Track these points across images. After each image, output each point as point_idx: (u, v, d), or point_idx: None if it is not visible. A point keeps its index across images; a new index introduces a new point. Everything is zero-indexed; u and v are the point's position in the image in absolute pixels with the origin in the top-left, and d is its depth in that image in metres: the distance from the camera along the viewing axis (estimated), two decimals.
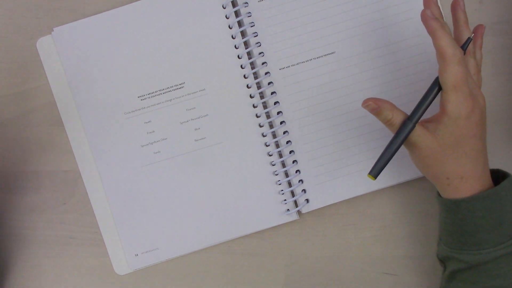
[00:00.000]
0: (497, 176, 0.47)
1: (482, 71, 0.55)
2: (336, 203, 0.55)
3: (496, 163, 0.49)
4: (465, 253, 0.46)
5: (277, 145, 0.54)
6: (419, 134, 0.45)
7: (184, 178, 0.54)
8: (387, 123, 0.45)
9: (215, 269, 0.56)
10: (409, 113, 0.45)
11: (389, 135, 0.54)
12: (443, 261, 0.50)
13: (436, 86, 0.44)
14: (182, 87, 0.54)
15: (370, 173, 0.45)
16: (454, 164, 0.45)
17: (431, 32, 0.43)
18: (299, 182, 0.54)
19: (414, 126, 0.44)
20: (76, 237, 0.55)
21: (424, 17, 0.44)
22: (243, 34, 0.54)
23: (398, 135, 0.45)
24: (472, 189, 0.45)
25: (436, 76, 0.44)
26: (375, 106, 0.45)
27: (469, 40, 0.46)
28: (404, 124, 0.45)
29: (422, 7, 0.53)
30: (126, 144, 0.54)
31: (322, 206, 0.54)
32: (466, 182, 0.45)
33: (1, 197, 0.55)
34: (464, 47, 0.46)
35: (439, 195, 0.48)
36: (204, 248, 0.55)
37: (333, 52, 0.54)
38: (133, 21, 0.54)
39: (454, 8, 0.48)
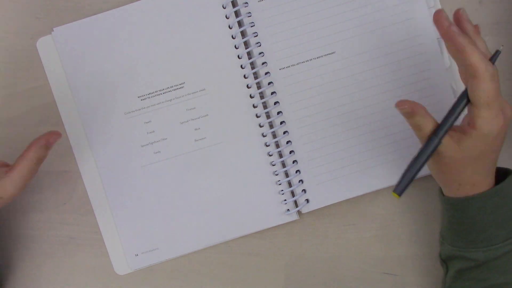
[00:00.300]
0: (497, 173, 0.47)
1: None
2: (336, 203, 0.55)
3: None
4: (473, 251, 0.46)
5: (277, 145, 0.54)
6: (444, 143, 0.44)
7: (184, 178, 0.54)
8: (417, 128, 0.44)
9: (215, 269, 0.56)
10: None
11: (388, 134, 0.54)
12: (445, 261, 0.49)
13: (464, 99, 0.43)
14: (182, 87, 0.54)
15: (394, 191, 0.44)
16: (470, 174, 0.45)
17: (460, 49, 0.41)
18: (299, 182, 0.54)
19: (440, 142, 0.43)
20: (76, 237, 0.55)
21: (450, 35, 0.42)
22: (243, 34, 0.54)
23: (424, 152, 0.43)
24: (480, 191, 0.45)
25: (464, 89, 0.43)
26: (409, 110, 0.43)
27: (498, 52, 0.44)
28: (430, 140, 0.43)
29: (422, 7, 0.54)
30: (126, 144, 0.54)
31: (322, 206, 0.54)
32: (476, 188, 0.45)
33: None
34: (493, 59, 0.44)
35: (442, 194, 0.48)
36: (204, 248, 0.55)
37: (333, 52, 0.54)
38: (133, 21, 0.54)
39: (458, 20, 0.46)
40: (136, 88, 0.54)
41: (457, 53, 0.42)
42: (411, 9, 0.54)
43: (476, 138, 0.43)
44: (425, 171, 0.54)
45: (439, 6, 0.54)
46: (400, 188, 0.44)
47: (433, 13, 0.44)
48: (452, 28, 0.42)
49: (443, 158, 0.44)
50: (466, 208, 0.46)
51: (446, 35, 0.42)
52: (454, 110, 0.43)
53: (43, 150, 0.46)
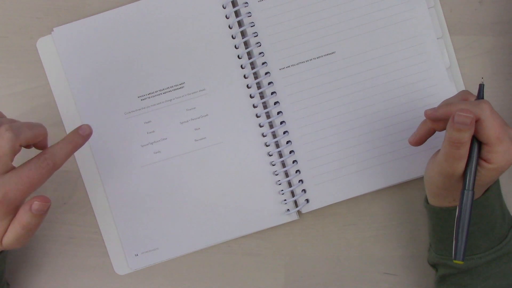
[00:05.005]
0: None
1: (481, 71, 0.55)
2: (336, 203, 0.55)
3: None
4: None
5: (277, 145, 0.54)
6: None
7: (184, 178, 0.54)
8: (457, 141, 0.41)
9: (215, 269, 0.56)
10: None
11: (388, 134, 0.54)
12: (433, 266, 0.50)
13: (475, 143, 0.42)
14: (182, 87, 0.54)
15: (455, 258, 0.42)
16: None
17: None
18: (299, 182, 0.54)
19: (474, 193, 0.42)
20: (76, 237, 0.55)
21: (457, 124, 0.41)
22: (243, 34, 0.54)
23: (464, 209, 0.42)
24: None
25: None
26: (469, 127, 0.41)
27: (482, 87, 0.45)
28: (463, 195, 0.42)
29: (422, 7, 0.54)
30: (126, 144, 0.54)
31: (322, 206, 0.54)
32: None
33: None
34: (481, 95, 0.45)
35: (427, 202, 0.49)
36: (204, 248, 0.55)
37: (333, 52, 0.54)
38: (133, 21, 0.54)
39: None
40: (136, 88, 0.54)
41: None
42: (411, 9, 0.54)
43: (492, 171, 0.43)
44: (421, 172, 0.54)
45: (439, 6, 0.54)
46: (460, 253, 0.42)
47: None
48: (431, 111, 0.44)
49: (452, 182, 0.44)
50: (448, 217, 0.46)
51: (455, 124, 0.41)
52: (471, 158, 0.43)
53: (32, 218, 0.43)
